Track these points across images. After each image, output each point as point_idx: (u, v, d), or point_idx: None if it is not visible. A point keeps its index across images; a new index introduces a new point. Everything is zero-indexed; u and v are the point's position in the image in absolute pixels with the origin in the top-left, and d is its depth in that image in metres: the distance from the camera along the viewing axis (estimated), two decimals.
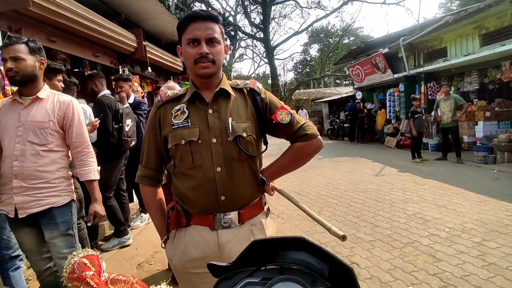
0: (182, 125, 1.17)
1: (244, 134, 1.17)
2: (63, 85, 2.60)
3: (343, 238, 1.12)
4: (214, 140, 1.16)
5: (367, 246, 3.13)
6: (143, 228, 3.94)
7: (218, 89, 1.19)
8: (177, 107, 1.20)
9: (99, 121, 2.90)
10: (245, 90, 1.26)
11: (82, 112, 1.90)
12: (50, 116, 1.73)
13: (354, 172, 6.90)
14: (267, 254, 0.72)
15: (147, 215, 4.05)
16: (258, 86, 1.28)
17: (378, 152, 9.85)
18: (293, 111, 1.27)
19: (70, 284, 0.48)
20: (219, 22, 1.18)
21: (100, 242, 3.48)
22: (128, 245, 3.41)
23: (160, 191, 1.34)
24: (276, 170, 1.31)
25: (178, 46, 1.22)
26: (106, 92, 3.38)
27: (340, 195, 5.11)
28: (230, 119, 1.16)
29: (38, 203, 1.70)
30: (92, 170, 1.87)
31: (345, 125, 13.91)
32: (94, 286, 0.44)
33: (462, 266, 2.61)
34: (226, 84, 1.22)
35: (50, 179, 1.73)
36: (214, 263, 0.71)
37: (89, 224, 1.97)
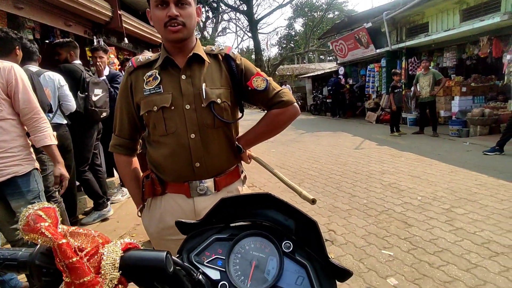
0: (154, 91, 1.14)
1: (219, 100, 1.15)
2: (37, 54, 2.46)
3: (313, 201, 1.15)
4: (187, 107, 1.13)
5: (344, 215, 3.26)
6: (124, 202, 3.93)
7: (191, 54, 1.14)
8: (149, 73, 1.16)
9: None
10: (219, 56, 1.22)
11: (27, 77, 1.81)
12: None
13: (335, 146, 7.04)
14: (235, 212, 0.73)
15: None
16: (233, 51, 1.24)
17: (359, 126, 10.03)
18: (269, 78, 1.25)
19: (26, 237, 0.47)
20: None
21: (80, 217, 3.45)
22: (108, 218, 3.40)
23: (135, 160, 1.32)
24: (252, 137, 1.30)
25: (148, 9, 1.15)
26: (77, 62, 3.23)
27: (320, 167, 5.22)
28: (203, 85, 1.13)
29: (0, 173, 1.67)
30: (47, 136, 1.82)
31: (327, 100, 13.98)
32: (50, 236, 0.44)
33: (431, 231, 2.77)
34: (200, 50, 1.18)
35: (8, 148, 1.69)
36: (183, 220, 0.71)
37: (61, 192, 1.93)
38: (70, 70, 3.09)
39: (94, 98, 3.18)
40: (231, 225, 0.74)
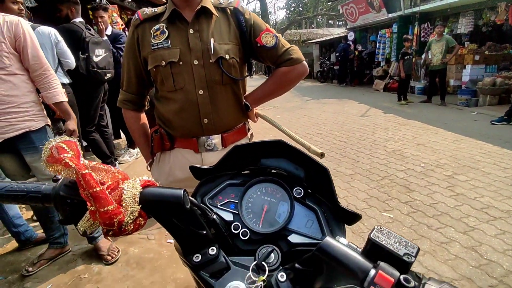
0: (162, 45, 1.11)
1: (227, 56, 1.13)
2: (21, 8, 2.33)
3: (321, 155, 1.17)
4: (195, 62, 1.12)
5: (347, 179, 3.31)
6: (132, 163, 4.01)
7: (199, 7, 1.11)
8: (156, 27, 1.13)
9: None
10: (228, 10, 1.19)
11: (34, 33, 1.78)
12: (0, 38, 1.63)
13: (340, 113, 6.98)
14: (248, 160, 0.74)
15: (136, 150, 4.09)
16: (242, 5, 1.20)
17: (366, 94, 9.87)
18: (279, 34, 1.22)
19: (50, 168, 0.49)
20: None
21: None
22: None
23: (143, 116, 1.34)
24: (260, 95, 1.29)
25: None
26: (78, 20, 3.12)
27: (325, 134, 5.23)
28: (212, 40, 1.11)
29: (13, 127, 1.71)
30: (59, 92, 1.82)
31: (334, 67, 13.63)
32: (73, 166, 0.45)
33: (432, 196, 2.83)
34: (208, 2, 1.14)
35: (19, 103, 1.71)
36: (197, 165, 0.73)
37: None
38: (69, 30, 2.99)
39: (96, 59, 3.12)
40: (243, 172, 0.76)
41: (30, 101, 1.76)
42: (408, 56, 7.71)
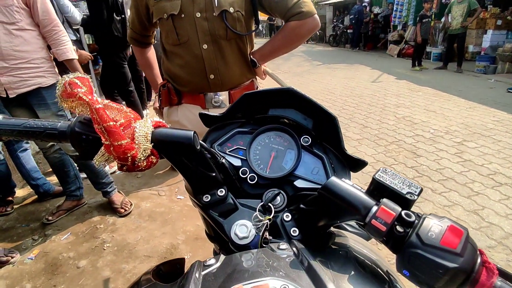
0: None
1: (231, 9, 1.09)
2: None
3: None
4: (198, 15, 1.08)
5: (354, 144, 3.32)
6: None
7: None
8: None
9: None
10: None
11: None
12: None
13: (352, 78, 6.81)
14: (257, 109, 0.75)
15: (145, 111, 4.10)
16: None
17: (379, 60, 9.54)
18: None
19: (65, 104, 0.50)
20: None
21: None
22: None
23: (148, 51, 1.38)
24: (268, 51, 1.25)
25: None
26: None
27: (335, 99, 5.15)
28: None
29: (25, 83, 1.73)
30: (68, 50, 1.82)
31: (348, 31, 13.06)
32: (88, 100, 0.46)
33: (439, 161, 2.83)
34: None
35: (30, 59, 1.72)
36: (206, 112, 0.74)
37: None
38: None
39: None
40: (252, 121, 0.76)
41: (41, 57, 1.76)
42: (427, 19, 7.31)
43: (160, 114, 1.39)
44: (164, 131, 0.55)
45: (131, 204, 2.22)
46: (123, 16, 3.00)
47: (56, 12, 2.60)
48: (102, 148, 0.50)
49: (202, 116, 0.74)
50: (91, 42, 3.79)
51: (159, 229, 2.02)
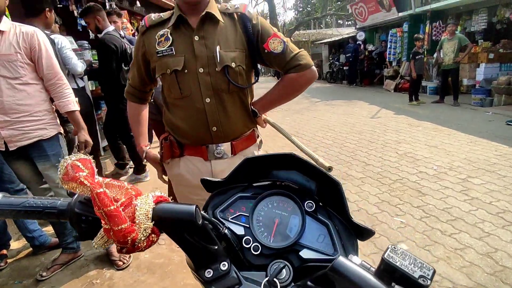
0: (167, 53, 1.11)
1: (233, 65, 1.11)
2: (56, 21, 2.44)
3: (329, 169, 1.14)
4: (201, 70, 1.10)
5: (358, 183, 3.28)
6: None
7: (204, 13, 1.09)
8: (161, 32, 1.13)
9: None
10: (235, 15, 1.17)
11: (49, 43, 1.82)
12: (16, 48, 1.67)
13: (351, 114, 6.92)
14: (259, 172, 0.74)
15: (144, 174, 4.02)
16: (249, 10, 1.17)
17: (376, 95, 9.76)
18: (287, 39, 1.19)
19: (66, 186, 0.50)
20: None
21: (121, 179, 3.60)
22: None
23: (143, 108, 1.37)
24: (268, 102, 1.28)
25: None
26: (110, 28, 3.14)
27: (335, 136, 5.18)
28: (218, 48, 1.09)
29: (26, 136, 1.75)
30: (71, 102, 1.86)
31: (344, 68, 13.51)
32: (89, 185, 0.46)
33: (446, 200, 2.77)
34: (214, 8, 1.13)
35: (33, 112, 1.74)
36: (208, 178, 0.73)
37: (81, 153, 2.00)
38: (112, 43, 2.99)
39: None
40: (254, 184, 0.75)
41: (44, 109, 1.79)
42: (419, 56, 7.59)
43: (157, 166, 1.36)
44: (166, 207, 0.54)
45: (130, 256, 2.14)
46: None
47: (59, 63, 2.73)
48: (102, 230, 0.49)
49: (204, 182, 0.74)
50: (93, 88, 3.91)
51: (158, 283, 1.93)
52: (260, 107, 1.28)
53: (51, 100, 1.87)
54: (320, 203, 0.69)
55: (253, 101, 1.30)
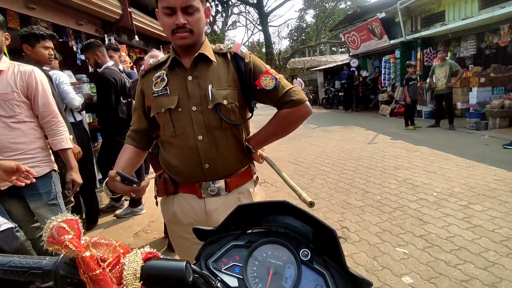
0: (162, 92, 1.15)
1: (225, 102, 1.13)
2: (52, 53, 2.41)
3: (310, 204, 1.09)
4: (194, 108, 1.13)
5: (357, 211, 3.23)
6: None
7: (196, 54, 1.14)
8: (157, 74, 1.18)
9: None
10: (228, 55, 1.20)
11: (47, 81, 1.85)
12: (13, 87, 1.68)
13: (348, 140, 6.96)
14: (253, 218, 0.73)
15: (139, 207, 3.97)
16: (242, 50, 1.20)
17: (372, 120, 9.87)
18: (280, 76, 1.21)
19: (51, 248, 0.48)
20: None
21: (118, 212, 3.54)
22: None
23: (137, 152, 1.31)
24: (262, 138, 1.27)
25: (156, 9, 1.14)
26: (110, 63, 3.23)
27: (333, 163, 5.18)
28: (210, 86, 1.12)
29: None
30: (64, 139, 1.85)
31: (339, 93, 13.78)
32: (73, 249, 0.45)
33: (448, 228, 2.72)
34: (207, 49, 1.16)
35: (26, 150, 1.73)
36: (200, 227, 0.72)
37: (68, 194, 1.96)
38: (112, 78, 3.06)
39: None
40: (248, 232, 0.74)
41: (37, 147, 1.78)
42: (413, 82, 7.77)
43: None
44: (155, 264, 0.52)
45: None
46: (129, 99, 3.16)
47: (57, 98, 2.76)
48: None
49: (196, 231, 0.72)
50: (91, 120, 3.95)
51: None
52: (255, 143, 1.27)
53: (46, 137, 1.87)
54: (316, 251, 0.67)
55: (248, 137, 1.30)
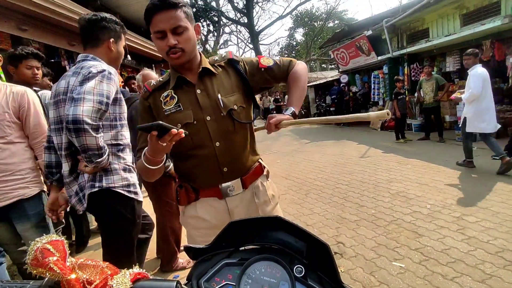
0: (175, 109, 1.21)
1: (235, 107, 1.23)
2: (36, 72, 2.32)
3: (387, 114, 1.06)
4: (208, 118, 1.21)
5: (353, 226, 3.21)
6: None
7: (201, 69, 1.23)
8: (165, 94, 1.24)
9: None
10: (223, 64, 1.30)
11: (39, 102, 1.84)
12: (5, 108, 1.68)
13: (340, 155, 7.00)
14: (245, 235, 0.72)
15: None
16: (235, 54, 1.33)
17: (364, 134, 9.98)
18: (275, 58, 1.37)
19: (34, 271, 0.47)
20: (182, 6, 1.14)
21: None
22: None
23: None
24: (295, 98, 1.32)
25: (151, 35, 1.20)
26: None
27: (327, 177, 5.18)
28: (219, 95, 1.22)
29: (6, 196, 1.68)
30: None
31: (331, 109, 13.97)
32: (58, 271, 0.43)
33: (443, 241, 2.71)
34: (207, 63, 1.26)
35: (15, 171, 1.70)
36: (191, 245, 0.71)
37: (53, 218, 1.89)
38: None
39: None
40: (241, 248, 0.73)
41: (27, 167, 1.75)
42: (401, 96, 7.93)
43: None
44: (144, 286, 0.51)
45: None
46: None
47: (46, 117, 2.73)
48: None
49: (187, 249, 0.71)
50: None
51: None
52: (295, 105, 1.30)
53: (36, 158, 1.84)
54: (310, 267, 0.66)
55: (284, 104, 1.43)
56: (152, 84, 1.29)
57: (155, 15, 1.11)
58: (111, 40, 1.59)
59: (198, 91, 1.22)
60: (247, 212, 1.29)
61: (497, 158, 5.04)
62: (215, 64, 1.29)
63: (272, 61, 1.33)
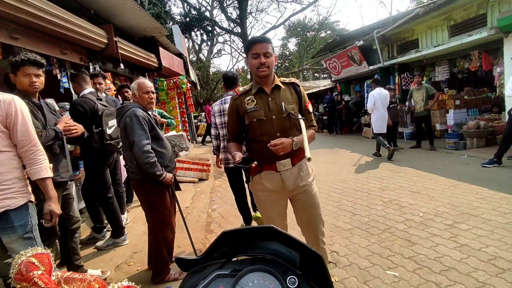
0: (254, 109, 1.84)
1: (292, 111, 1.85)
2: (34, 80, 2.13)
3: (308, 159, 1.73)
4: (273, 117, 1.82)
5: (346, 234, 3.20)
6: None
7: (273, 85, 1.86)
8: (248, 98, 1.87)
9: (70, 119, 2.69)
10: (289, 84, 1.94)
11: (27, 110, 1.80)
12: None
13: (333, 163, 7.02)
14: (238, 245, 0.71)
15: (125, 215, 3.93)
16: (297, 81, 1.99)
17: (356, 142, 10.06)
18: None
19: (18, 286, 0.45)
20: (271, 42, 1.82)
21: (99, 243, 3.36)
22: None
23: (237, 144, 1.99)
24: (303, 138, 1.81)
25: (245, 58, 1.91)
26: (86, 91, 3.21)
27: (320, 185, 5.18)
28: (283, 103, 1.83)
29: None
30: (44, 168, 1.79)
31: (324, 117, 14.08)
32: (43, 286, 0.42)
33: (436, 248, 2.72)
34: (278, 81, 1.89)
35: (2, 180, 1.65)
36: (182, 257, 0.70)
37: (46, 225, 1.87)
38: (74, 107, 3.07)
39: (109, 131, 3.14)
40: (233, 259, 0.71)
41: (14, 177, 1.70)
42: (393, 105, 8.03)
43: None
44: None
45: None
46: (100, 128, 3.08)
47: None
48: None
49: (178, 261, 0.69)
50: (73, 149, 3.85)
51: None
52: (299, 141, 1.81)
53: (24, 167, 1.79)
54: (304, 277, 0.65)
55: (293, 138, 1.81)
56: (240, 91, 1.93)
57: (255, 44, 1.77)
58: None
59: (270, 99, 1.84)
60: (294, 181, 1.85)
61: (488, 166, 5.12)
62: (284, 82, 1.92)
63: (310, 110, 1.99)
